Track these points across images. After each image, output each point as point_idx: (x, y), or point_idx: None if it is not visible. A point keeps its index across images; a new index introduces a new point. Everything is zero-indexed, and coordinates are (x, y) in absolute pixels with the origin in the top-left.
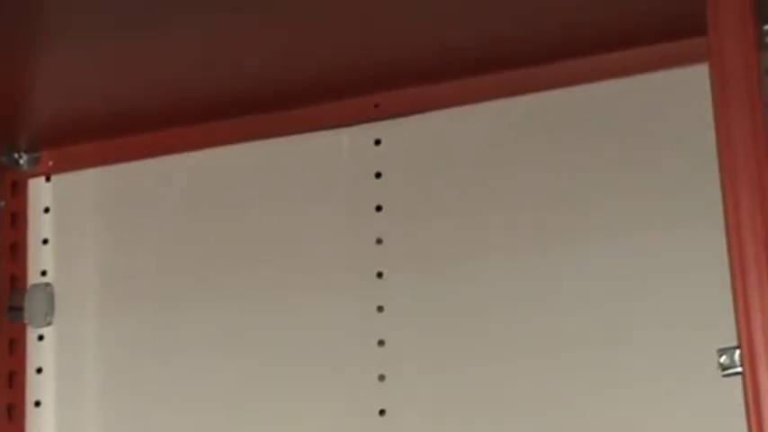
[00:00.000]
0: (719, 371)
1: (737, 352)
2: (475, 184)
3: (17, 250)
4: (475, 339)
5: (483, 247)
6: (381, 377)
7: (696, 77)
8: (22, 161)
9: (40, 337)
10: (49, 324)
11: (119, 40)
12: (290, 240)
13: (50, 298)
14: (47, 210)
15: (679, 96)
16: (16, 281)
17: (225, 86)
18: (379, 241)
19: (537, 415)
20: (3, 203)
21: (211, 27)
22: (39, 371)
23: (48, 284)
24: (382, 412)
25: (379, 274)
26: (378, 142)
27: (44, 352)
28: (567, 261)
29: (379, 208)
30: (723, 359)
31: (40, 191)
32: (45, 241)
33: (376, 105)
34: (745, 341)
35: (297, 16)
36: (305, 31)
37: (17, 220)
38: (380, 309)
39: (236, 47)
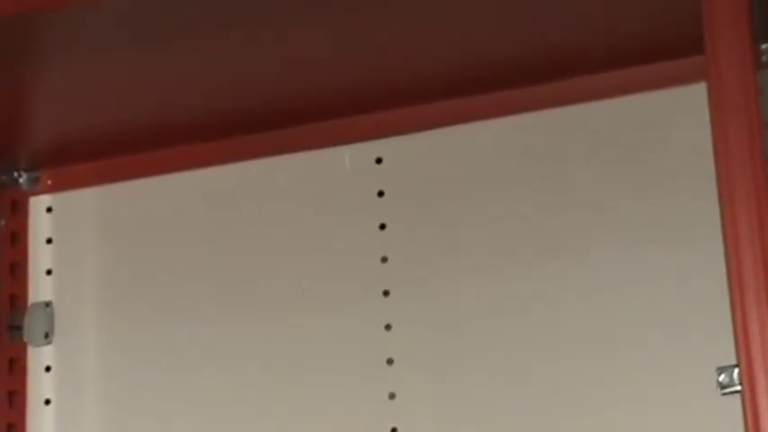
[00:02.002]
0: (718, 389)
1: (736, 370)
2: (477, 202)
3: (17, 269)
4: (484, 355)
5: (488, 263)
6: (392, 395)
7: (696, 96)
8: (21, 180)
9: (47, 369)
10: (49, 343)
11: (118, 59)
12: (293, 261)
13: (50, 317)
14: (47, 229)
15: (679, 114)
16: (16, 300)
17: (225, 106)
18: (384, 260)
19: (543, 428)
20: (3, 222)
21: (210, 47)
22: (39, 390)
23: (47, 303)
24: (394, 431)
25: (386, 293)
26: (379, 161)
27: (45, 371)
28: (569, 277)
29: (382, 226)
30: (722, 378)
31: (40, 210)
32: (45, 261)
33: (377, 124)
34: (744, 360)
35: (297, 35)
36: (305, 50)
37: (17, 239)
38: (388, 327)
39: (237, 66)
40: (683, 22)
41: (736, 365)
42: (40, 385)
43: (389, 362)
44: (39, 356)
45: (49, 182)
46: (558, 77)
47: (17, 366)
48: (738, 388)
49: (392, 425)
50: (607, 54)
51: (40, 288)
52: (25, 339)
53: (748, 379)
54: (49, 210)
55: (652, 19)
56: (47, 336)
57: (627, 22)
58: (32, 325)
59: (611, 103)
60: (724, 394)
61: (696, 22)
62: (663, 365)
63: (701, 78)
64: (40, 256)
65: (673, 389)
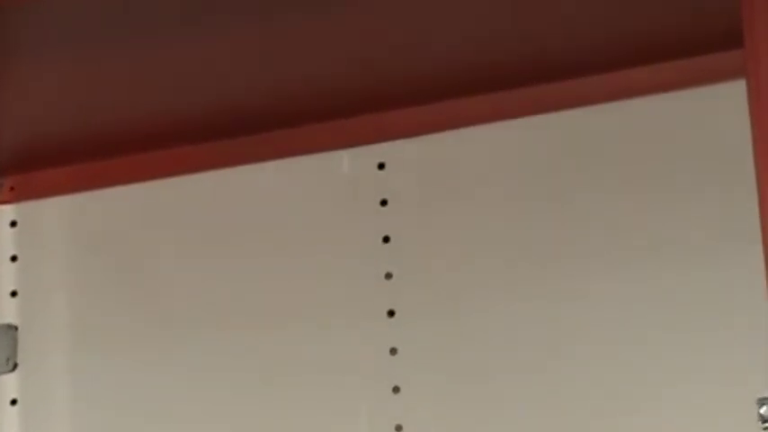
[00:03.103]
0: (759, 423)
1: None
2: (490, 212)
3: None
4: (496, 381)
5: (500, 280)
6: (398, 427)
7: (732, 93)
8: None
9: (13, 402)
10: (12, 370)
11: (90, 57)
12: (284, 280)
13: (14, 342)
14: (11, 246)
15: (714, 114)
16: None
17: (210, 106)
18: (388, 276)
19: None
20: None
21: (192, 43)
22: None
23: (11, 326)
24: None
25: (391, 313)
26: (381, 166)
27: (9, 404)
28: (590, 300)
29: (386, 239)
30: (764, 410)
31: (3, 224)
32: (9, 281)
33: (378, 126)
34: None
35: (290, 28)
36: (298, 44)
37: None
38: (393, 351)
39: (222, 63)
40: (720, 15)
41: None
42: (1, 418)
43: (395, 390)
44: (1, 386)
45: (12, 189)
46: (580, 74)
47: None
48: None
49: None
50: (632, 51)
51: (3, 310)
52: None
53: None
54: (13, 224)
55: (683, 13)
56: (8, 361)
57: (660, 16)
58: None
59: (639, 102)
60: (765, 429)
61: (732, 16)
62: (700, 397)
63: (739, 75)
64: (3, 276)
65: (711, 421)
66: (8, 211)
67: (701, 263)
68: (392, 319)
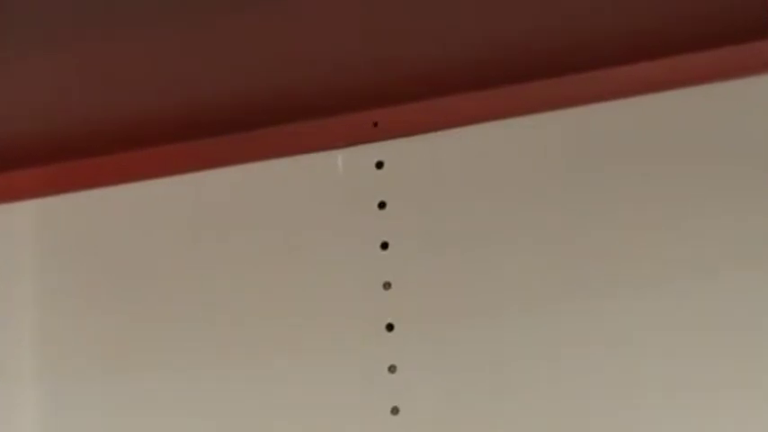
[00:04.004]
0: None
1: None
2: (495, 217)
3: None
4: (498, 403)
5: (505, 292)
6: None
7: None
8: None
9: None
10: None
11: (61, 51)
12: (274, 290)
13: None
14: None
15: (742, 110)
16: None
17: (195, 102)
18: (386, 286)
19: None
20: None
21: (172, 33)
22: None
23: None
24: None
25: (389, 327)
26: (380, 165)
27: None
28: (599, 310)
29: (384, 245)
30: None
31: None
32: None
33: (375, 123)
34: None
35: (281, 20)
36: (290, 36)
37: None
38: (392, 369)
39: (205, 56)
40: (743, 3)
41: None
42: None
43: (394, 411)
44: None
45: None
46: (589, 69)
47: None
48: None
49: None
50: (649, 43)
51: None
52: None
53: None
54: None
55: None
56: None
57: (673, 5)
58: None
59: (658, 98)
60: None
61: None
62: (723, 410)
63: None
64: None
65: None
66: None
67: (735, 277)
68: (391, 334)
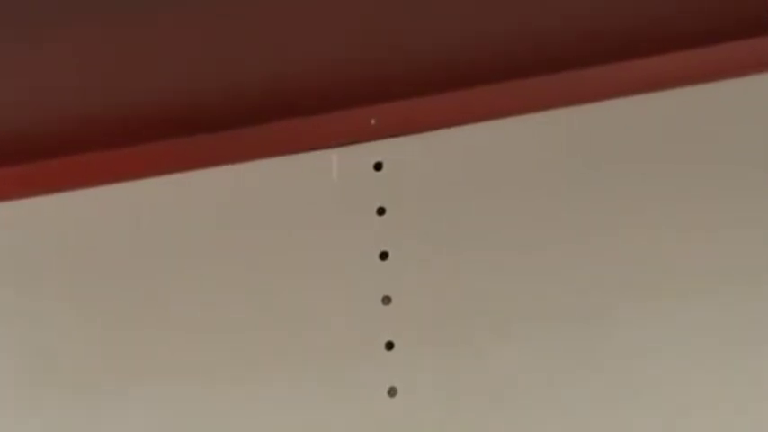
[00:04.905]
0: None
1: None
2: (506, 224)
3: None
4: (503, 413)
5: (516, 307)
6: None
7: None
8: None
9: None
10: None
11: (35, 48)
12: (262, 304)
13: None
14: None
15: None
16: None
17: (180, 96)
18: (386, 300)
19: None
20: None
21: (165, 28)
22: None
23: None
24: None
25: (389, 345)
26: (378, 167)
27: None
28: (609, 319)
29: (384, 255)
30: None
31: None
32: None
33: (373, 120)
34: None
35: (275, 13)
36: (280, 27)
37: None
38: (392, 392)
39: (189, 47)
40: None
41: None
42: None
43: None
44: None
45: None
46: (597, 64)
47: None
48: None
49: None
50: (659, 37)
51: None
52: None
53: None
54: None
55: None
56: None
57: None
58: None
59: (675, 94)
60: None
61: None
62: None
63: None
64: None
65: None
66: None
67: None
68: (390, 353)
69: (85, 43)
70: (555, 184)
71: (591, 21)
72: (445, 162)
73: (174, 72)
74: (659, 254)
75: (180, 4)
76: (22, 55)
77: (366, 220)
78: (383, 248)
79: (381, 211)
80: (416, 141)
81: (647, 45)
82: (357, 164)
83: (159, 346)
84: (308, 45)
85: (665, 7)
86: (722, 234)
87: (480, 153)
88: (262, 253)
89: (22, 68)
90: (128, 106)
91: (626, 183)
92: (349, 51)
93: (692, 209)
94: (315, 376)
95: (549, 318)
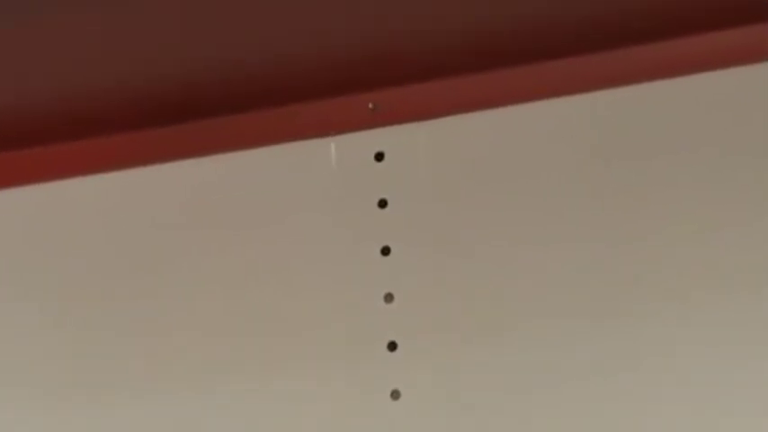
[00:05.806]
0: None
1: None
2: (514, 215)
3: None
4: (503, 422)
5: (526, 305)
6: None
7: None
8: None
9: None
10: None
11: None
12: (260, 300)
13: None
14: None
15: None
16: None
17: (170, 82)
18: (388, 298)
19: None
20: None
21: (151, 5)
22: None
23: None
24: None
25: (392, 346)
26: (379, 157)
27: None
28: (634, 324)
29: (385, 251)
30: None
31: None
32: None
33: (373, 107)
34: None
35: None
36: (275, 10)
37: None
38: (395, 394)
39: (183, 31)
40: None
41: None
42: None
43: None
44: None
45: None
46: (619, 46)
47: None
48: None
49: None
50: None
51: None
52: None
53: None
54: None
55: None
56: None
57: None
58: None
59: (684, 82)
60: None
61: None
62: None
63: None
64: None
65: None
66: None
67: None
68: (393, 354)
69: (69, 27)
70: (568, 174)
71: (590, 7)
72: (451, 152)
73: (164, 55)
74: (673, 251)
75: None
76: None
77: (367, 213)
78: (385, 243)
79: (383, 204)
80: (420, 129)
81: (665, 29)
82: (357, 153)
83: (158, 348)
84: (304, 27)
85: None
86: (739, 230)
87: (488, 142)
88: (255, 249)
89: None
90: (115, 92)
91: (639, 173)
92: (348, 34)
93: (706, 204)
94: (313, 379)
95: (562, 316)
